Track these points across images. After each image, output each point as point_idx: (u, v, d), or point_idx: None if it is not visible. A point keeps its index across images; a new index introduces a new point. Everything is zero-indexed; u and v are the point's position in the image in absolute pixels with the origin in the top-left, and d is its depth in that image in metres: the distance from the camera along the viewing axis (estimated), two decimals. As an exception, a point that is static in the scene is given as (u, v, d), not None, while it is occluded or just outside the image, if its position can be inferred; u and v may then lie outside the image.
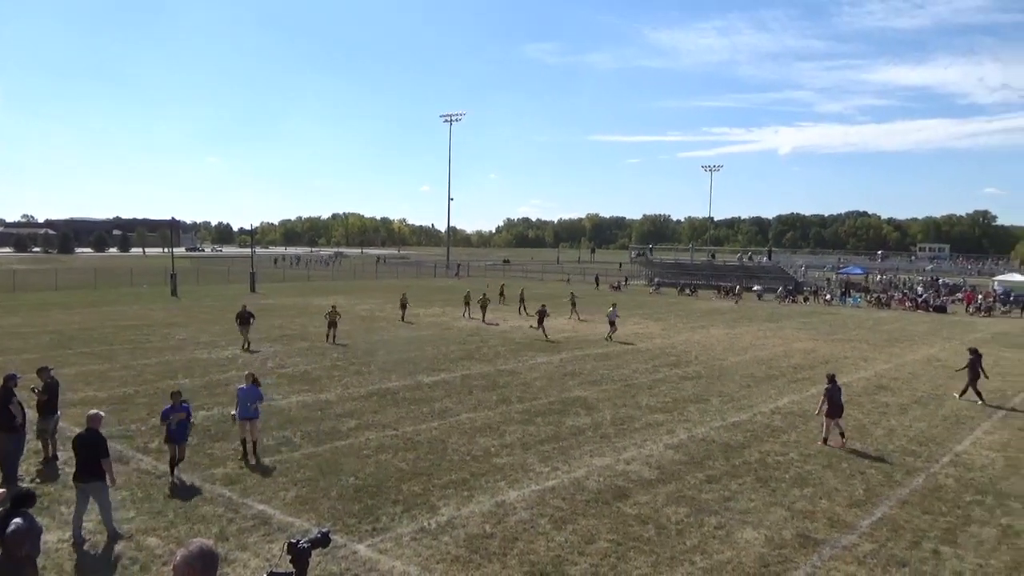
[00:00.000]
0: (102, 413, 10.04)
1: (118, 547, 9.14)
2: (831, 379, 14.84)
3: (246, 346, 25.13)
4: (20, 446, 11.73)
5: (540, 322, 29.79)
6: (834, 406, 14.43)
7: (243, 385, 13.04)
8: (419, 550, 9.20)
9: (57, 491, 11.00)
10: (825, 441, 14.50)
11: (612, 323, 29.76)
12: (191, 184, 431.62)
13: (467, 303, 37.29)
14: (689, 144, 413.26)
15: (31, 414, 12.48)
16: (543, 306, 31.05)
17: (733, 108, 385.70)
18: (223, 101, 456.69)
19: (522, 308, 39.21)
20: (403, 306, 36.15)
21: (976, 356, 19.26)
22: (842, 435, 14.55)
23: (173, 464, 11.57)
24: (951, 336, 34.12)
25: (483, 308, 35.66)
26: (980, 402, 18.74)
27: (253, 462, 12.52)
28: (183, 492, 11.06)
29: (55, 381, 12.97)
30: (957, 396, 19.27)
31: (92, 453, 9.29)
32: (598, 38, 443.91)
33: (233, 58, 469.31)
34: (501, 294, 44.94)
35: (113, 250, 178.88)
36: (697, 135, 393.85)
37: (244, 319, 25.56)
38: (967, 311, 47.89)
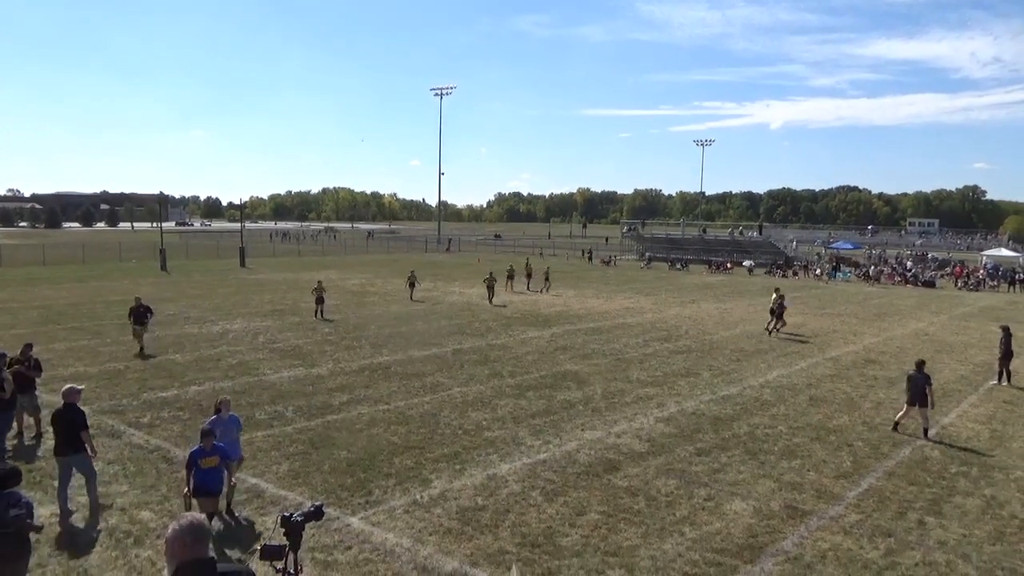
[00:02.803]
0: (79, 387, 9.84)
1: (112, 520, 9.18)
2: (918, 366, 13.87)
3: (140, 349, 19.89)
4: (7, 422, 11.71)
5: (779, 316, 25.48)
6: (915, 394, 13.44)
7: (211, 418, 9.65)
8: (411, 522, 9.28)
9: (50, 466, 10.98)
10: (895, 427, 13.78)
11: (780, 315, 25.62)
12: (179, 158, 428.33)
13: (490, 288, 33.88)
14: (681, 118, 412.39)
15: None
16: (781, 296, 25.79)
17: (725, 82, 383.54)
18: (208, 73, 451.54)
19: (528, 284, 39.03)
20: (411, 284, 34.90)
21: (1006, 333, 18.35)
22: (925, 432, 13.48)
23: None
24: (939, 310, 34.40)
25: (490, 288, 33.70)
26: (996, 381, 18.12)
27: (231, 521, 9.30)
28: (176, 466, 11.00)
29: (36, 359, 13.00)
30: (1006, 383, 18.05)
31: (72, 427, 9.24)
32: (589, 10, 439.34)
33: (218, 29, 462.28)
34: (526, 267, 41.72)
35: (101, 225, 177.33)
36: (689, 109, 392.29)
37: (139, 316, 20.07)
38: (956, 286, 48.26)
